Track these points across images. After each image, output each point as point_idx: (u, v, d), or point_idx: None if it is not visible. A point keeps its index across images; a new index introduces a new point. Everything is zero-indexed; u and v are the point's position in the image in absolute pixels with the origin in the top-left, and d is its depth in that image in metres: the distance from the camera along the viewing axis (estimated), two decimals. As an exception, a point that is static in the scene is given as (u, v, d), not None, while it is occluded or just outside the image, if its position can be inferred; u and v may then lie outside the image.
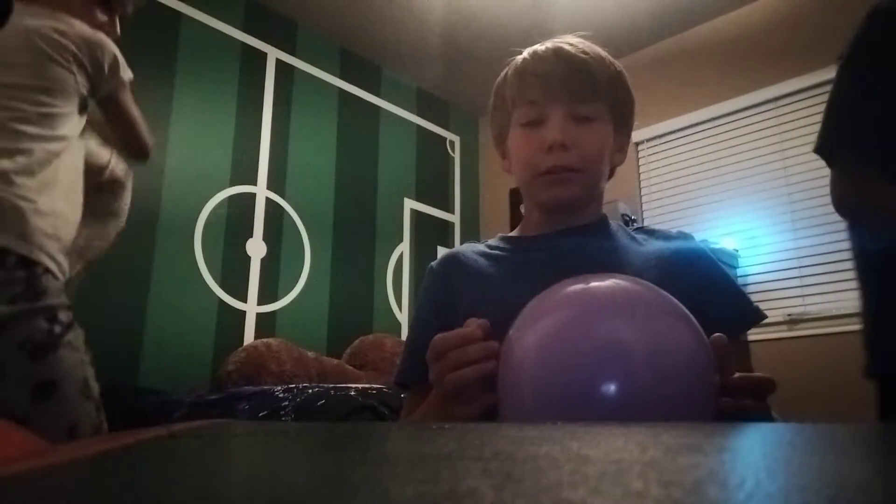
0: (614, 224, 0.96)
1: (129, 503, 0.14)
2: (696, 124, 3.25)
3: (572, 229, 0.91)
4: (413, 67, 3.74)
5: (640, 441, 0.18)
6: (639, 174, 3.41)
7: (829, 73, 2.99)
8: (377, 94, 3.67)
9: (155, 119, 2.69)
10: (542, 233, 0.93)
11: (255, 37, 3.14)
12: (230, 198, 2.90)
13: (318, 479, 0.16)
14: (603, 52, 0.91)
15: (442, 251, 3.15)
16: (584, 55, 0.88)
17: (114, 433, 0.23)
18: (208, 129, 2.89)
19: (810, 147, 3.19)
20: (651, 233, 0.94)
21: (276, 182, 3.10)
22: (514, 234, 0.99)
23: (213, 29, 2.99)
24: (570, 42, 0.90)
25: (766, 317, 0.85)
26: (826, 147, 1.14)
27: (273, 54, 3.21)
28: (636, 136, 3.41)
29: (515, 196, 3.82)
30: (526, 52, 0.92)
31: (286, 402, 1.88)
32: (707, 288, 0.81)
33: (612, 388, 0.52)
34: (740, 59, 3.15)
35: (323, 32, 3.42)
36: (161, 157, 2.67)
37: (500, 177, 1.02)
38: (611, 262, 0.85)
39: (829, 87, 2.94)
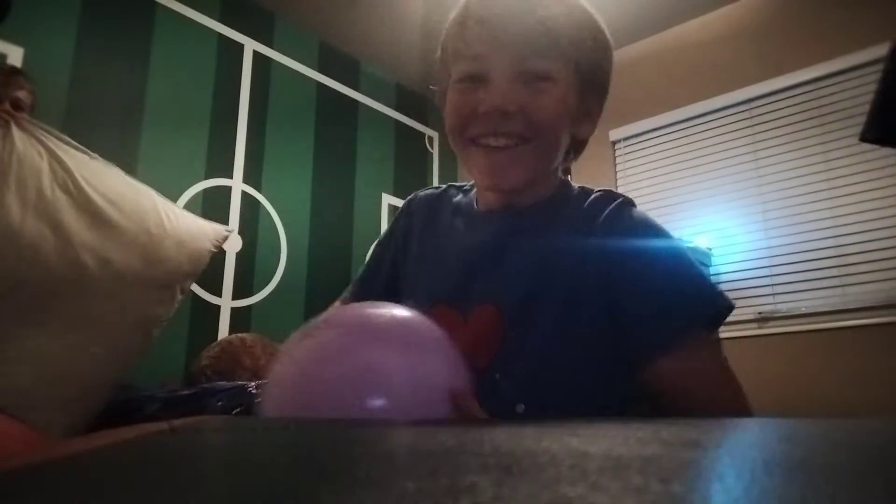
0: (575, 190, 0.82)
1: (132, 497, 0.14)
2: (672, 124, 3.29)
3: (516, 211, 0.79)
4: (392, 62, 3.72)
5: (640, 437, 0.18)
6: (615, 172, 3.44)
7: (801, 76, 3.06)
8: (356, 89, 3.65)
9: (128, 110, 2.65)
10: (487, 209, 0.82)
11: (232, 28, 3.10)
12: (205, 191, 2.86)
13: (318, 474, 0.16)
14: (575, 1, 0.75)
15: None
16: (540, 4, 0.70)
17: (115, 428, 0.22)
18: (183, 120, 2.85)
19: (782, 148, 3.25)
20: (612, 214, 0.75)
21: (253, 175, 3.07)
22: (474, 194, 0.87)
23: (189, 19, 2.94)
24: None
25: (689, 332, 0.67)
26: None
27: (250, 46, 3.17)
28: (613, 134, 3.44)
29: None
30: None
31: (260, 398, 1.86)
32: (630, 298, 0.69)
33: (366, 406, 0.52)
34: (715, 60, 3.20)
35: (301, 25, 3.39)
36: (134, 149, 2.63)
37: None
38: (543, 256, 0.74)
39: (799, 90, 3.05)
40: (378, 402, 0.51)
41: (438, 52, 0.81)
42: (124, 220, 1.74)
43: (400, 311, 0.60)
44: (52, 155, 1.70)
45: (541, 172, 0.77)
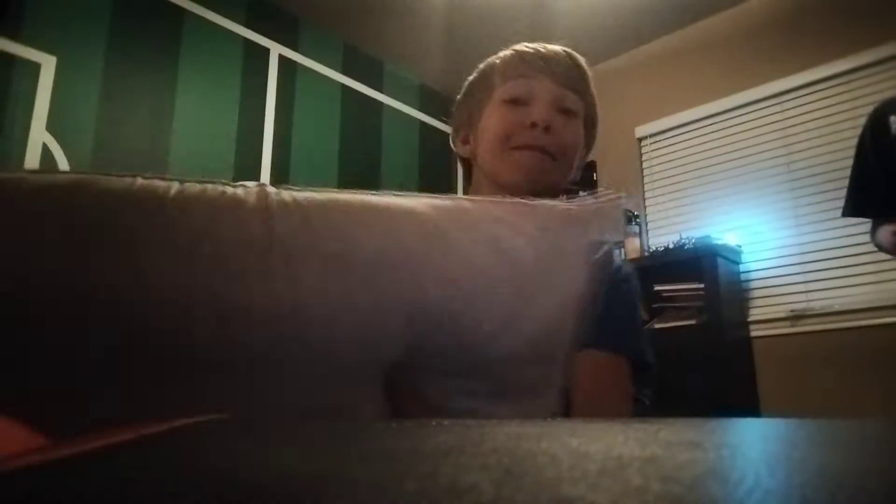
0: None
1: (131, 498, 0.14)
2: (700, 119, 3.24)
3: None
4: (415, 63, 3.73)
5: (640, 437, 0.18)
6: (641, 170, 3.40)
7: (833, 68, 2.98)
8: (380, 90, 3.67)
9: (158, 114, 2.69)
10: None
11: (257, 32, 3.14)
12: (233, 193, 2.90)
13: (319, 475, 0.17)
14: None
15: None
16: (576, 54, 0.95)
17: (132, 424, 0.23)
18: (211, 124, 2.89)
19: (814, 142, 3.19)
20: None
21: (280, 177, 3.10)
22: None
23: (216, 25, 2.98)
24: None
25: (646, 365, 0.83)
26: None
27: (276, 50, 3.20)
28: (639, 131, 3.40)
29: (518, 192, 3.82)
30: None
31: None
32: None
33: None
34: (744, 54, 3.14)
35: (325, 28, 3.41)
36: (164, 153, 2.67)
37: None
38: None
39: (831, 82, 3.03)
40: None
41: (467, 85, 1.05)
42: None
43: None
44: None
45: (553, 187, 0.90)
